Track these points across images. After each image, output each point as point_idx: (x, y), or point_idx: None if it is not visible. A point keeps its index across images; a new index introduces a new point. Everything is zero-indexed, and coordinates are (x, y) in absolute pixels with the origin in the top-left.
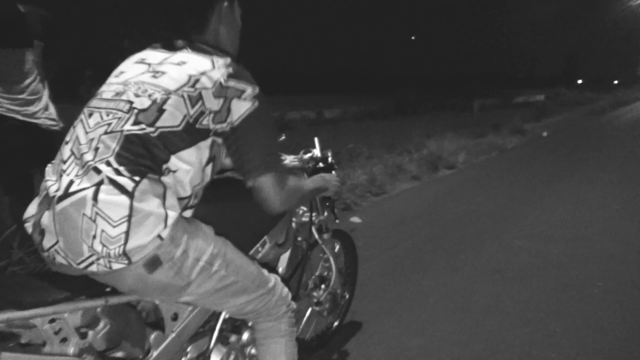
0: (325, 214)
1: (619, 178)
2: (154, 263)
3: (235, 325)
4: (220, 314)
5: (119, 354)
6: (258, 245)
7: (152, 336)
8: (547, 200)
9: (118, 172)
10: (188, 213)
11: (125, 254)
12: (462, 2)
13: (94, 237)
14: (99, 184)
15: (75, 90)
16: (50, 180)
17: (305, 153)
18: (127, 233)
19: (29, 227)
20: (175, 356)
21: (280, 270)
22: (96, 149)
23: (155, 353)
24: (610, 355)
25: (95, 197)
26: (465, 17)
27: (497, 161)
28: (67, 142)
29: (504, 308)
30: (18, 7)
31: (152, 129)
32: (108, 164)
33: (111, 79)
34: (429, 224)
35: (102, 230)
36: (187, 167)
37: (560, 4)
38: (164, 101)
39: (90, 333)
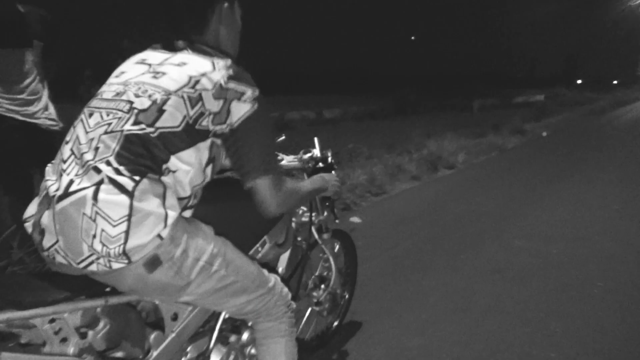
0: (325, 214)
1: (619, 178)
2: (153, 262)
3: (235, 325)
4: (220, 314)
5: (119, 354)
6: (258, 245)
7: (152, 336)
8: (547, 200)
9: (118, 172)
10: (188, 213)
11: (125, 253)
12: (462, 2)
13: (94, 236)
14: (99, 184)
15: (75, 90)
16: (50, 180)
17: (305, 153)
18: (127, 232)
19: (28, 226)
20: (175, 356)
21: (280, 270)
22: (96, 148)
23: (155, 353)
24: (610, 355)
25: (95, 197)
26: (465, 17)
27: (497, 161)
28: (67, 142)
29: (504, 308)
30: (18, 7)
31: (152, 129)
32: (108, 163)
33: (111, 79)
34: (429, 224)
35: (102, 230)
36: (187, 168)
37: (560, 4)
38: (164, 102)
39: (90, 333)
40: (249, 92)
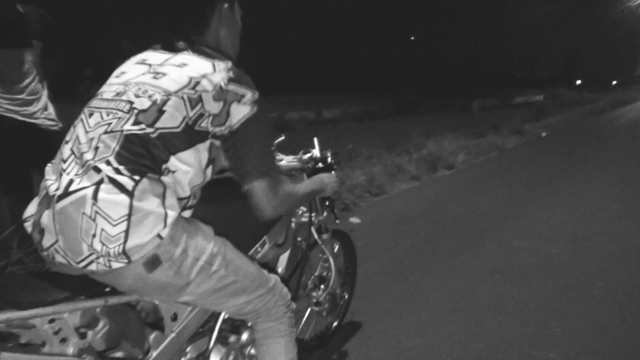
0: (325, 214)
1: (618, 178)
2: (153, 262)
3: (234, 326)
4: (219, 314)
5: (119, 354)
6: (257, 245)
7: (152, 336)
8: (546, 200)
9: (118, 171)
10: (187, 213)
11: (124, 252)
12: (462, 2)
13: (94, 235)
14: (98, 183)
15: (75, 90)
16: (50, 180)
17: (304, 153)
18: (126, 232)
19: (28, 226)
20: (175, 356)
21: (279, 270)
22: (96, 148)
23: (154, 353)
24: (610, 356)
25: (95, 196)
26: (465, 17)
27: (497, 161)
28: (67, 142)
29: (504, 308)
30: (17, 7)
31: (151, 130)
32: (108, 163)
33: (112, 80)
34: (429, 224)
35: (102, 229)
36: (186, 168)
37: (560, 4)
38: (164, 102)
39: (90, 333)
40: (249, 95)
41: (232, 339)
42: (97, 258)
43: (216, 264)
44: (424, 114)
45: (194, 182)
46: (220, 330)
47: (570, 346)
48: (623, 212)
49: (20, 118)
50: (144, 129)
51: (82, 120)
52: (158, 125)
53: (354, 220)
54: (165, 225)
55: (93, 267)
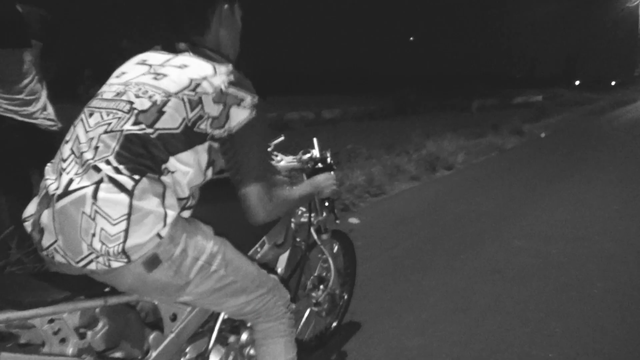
0: (324, 214)
1: (618, 178)
2: (153, 262)
3: (234, 326)
4: (219, 314)
5: (118, 354)
6: (257, 245)
7: (151, 336)
8: (546, 200)
9: (118, 171)
10: (187, 213)
11: (124, 252)
12: (462, 2)
13: (93, 235)
14: (98, 183)
15: (74, 90)
16: (49, 179)
17: (304, 153)
18: (126, 231)
19: (28, 225)
20: (174, 356)
21: (279, 270)
22: (96, 147)
23: (154, 353)
24: (609, 356)
25: (94, 196)
26: (465, 17)
27: (497, 161)
28: (67, 141)
29: (504, 308)
30: (17, 7)
31: (151, 130)
32: (108, 162)
33: (112, 80)
34: (429, 224)
35: (102, 229)
36: (186, 169)
37: (560, 4)
38: (164, 103)
39: (89, 333)
40: (249, 99)
41: (232, 339)
42: (97, 257)
43: (215, 263)
44: (423, 114)
45: (193, 182)
46: (220, 330)
47: (570, 346)
48: (623, 212)
49: (19, 118)
50: (143, 129)
51: (82, 120)
52: (158, 125)
53: (354, 220)
54: (164, 225)
55: (92, 266)
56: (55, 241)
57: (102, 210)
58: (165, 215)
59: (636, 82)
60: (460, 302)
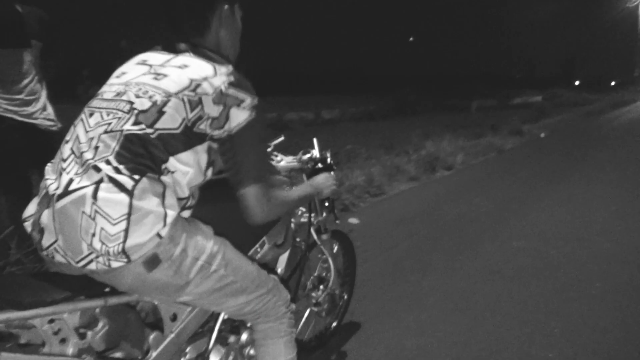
0: (324, 214)
1: (617, 178)
2: (153, 261)
3: (234, 326)
4: (219, 314)
5: (118, 355)
6: (257, 245)
7: (151, 337)
8: (545, 200)
9: (118, 171)
10: (186, 213)
11: (124, 251)
12: (462, 2)
13: (93, 235)
14: (98, 182)
15: (74, 90)
16: (49, 179)
17: (304, 154)
18: (126, 231)
19: (28, 225)
20: (174, 357)
21: (279, 270)
22: (96, 147)
23: (154, 353)
24: (609, 356)
25: (94, 195)
26: (465, 18)
27: (496, 162)
28: (67, 141)
29: (503, 308)
30: (16, 7)
31: (151, 130)
32: (108, 162)
33: (112, 80)
34: (428, 225)
35: (102, 228)
36: (186, 169)
37: (559, 4)
38: (164, 103)
39: (89, 333)
40: (248, 100)
41: (232, 339)
42: (97, 257)
43: (215, 263)
44: (422, 115)
45: (193, 182)
46: (220, 330)
47: (570, 346)
48: (622, 212)
49: (19, 118)
50: (143, 129)
51: (82, 119)
52: (158, 126)
53: (353, 220)
54: (164, 225)
55: (92, 266)
56: (55, 241)
57: (102, 210)
58: (165, 215)
59: (636, 82)
60: (459, 303)
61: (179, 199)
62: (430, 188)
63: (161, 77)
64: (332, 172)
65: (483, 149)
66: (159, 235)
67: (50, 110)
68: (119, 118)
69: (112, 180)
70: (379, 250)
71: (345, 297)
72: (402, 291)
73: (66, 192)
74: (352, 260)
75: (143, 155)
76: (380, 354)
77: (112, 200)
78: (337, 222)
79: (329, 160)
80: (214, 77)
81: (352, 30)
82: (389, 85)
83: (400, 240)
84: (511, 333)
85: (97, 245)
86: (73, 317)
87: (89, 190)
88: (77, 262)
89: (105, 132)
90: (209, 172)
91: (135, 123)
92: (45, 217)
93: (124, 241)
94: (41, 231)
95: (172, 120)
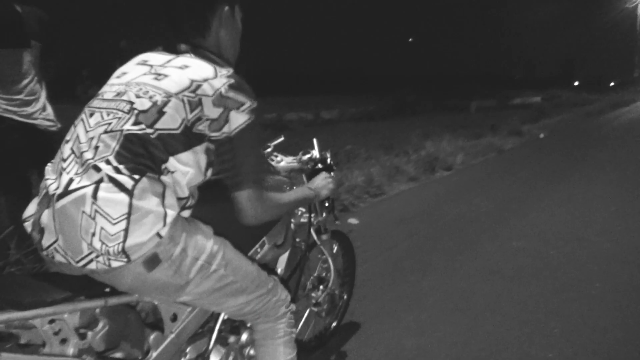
0: (324, 215)
1: (617, 179)
2: (153, 261)
3: (234, 326)
4: (219, 314)
5: (118, 355)
6: (257, 246)
7: (152, 337)
8: (545, 200)
9: (118, 171)
10: (186, 213)
11: (124, 251)
12: (461, 2)
13: (93, 234)
14: (98, 182)
15: (74, 90)
16: (49, 179)
17: (304, 154)
18: (126, 231)
19: (28, 225)
20: (175, 357)
21: (279, 271)
22: (96, 147)
23: (154, 354)
24: (608, 356)
25: (94, 195)
26: (464, 18)
27: (495, 162)
28: (67, 141)
29: (503, 308)
30: (15, 7)
31: (151, 130)
32: (108, 162)
33: (113, 80)
34: (428, 225)
35: (102, 228)
36: (185, 169)
37: (559, 5)
38: (165, 104)
39: (90, 334)
40: (248, 104)
41: (232, 339)
42: (97, 257)
43: (215, 263)
44: (422, 115)
45: (193, 182)
46: (220, 330)
47: (569, 346)
48: (622, 212)
49: (18, 118)
50: (143, 129)
51: (82, 119)
52: (158, 126)
53: (353, 221)
54: (164, 224)
55: (92, 266)
56: (56, 241)
57: (102, 209)
58: (165, 215)
59: (635, 83)
60: (459, 303)
61: (179, 199)
62: (430, 188)
63: (162, 78)
64: (332, 173)
65: (483, 149)
66: (158, 235)
67: (49, 110)
68: (119, 118)
69: (112, 180)
70: (378, 251)
71: (345, 297)
72: (402, 291)
73: (66, 192)
74: (352, 261)
75: (143, 155)
76: (380, 354)
77: (112, 199)
78: (337, 222)
79: (329, 160)
80: (215, 78)
81: (351, 30)
82: (388, 85)
83: (399, 241)
84: (511, 333)
85: (97, 244)
86: (73, 317)
87: (89, 190)
88: (77, 261)
89: (106, 132)
90: (209, 173)
91: (135, 123)
92: (46, 217)
93: (124, 241)
94: (41, 231)
95: (172, 121)
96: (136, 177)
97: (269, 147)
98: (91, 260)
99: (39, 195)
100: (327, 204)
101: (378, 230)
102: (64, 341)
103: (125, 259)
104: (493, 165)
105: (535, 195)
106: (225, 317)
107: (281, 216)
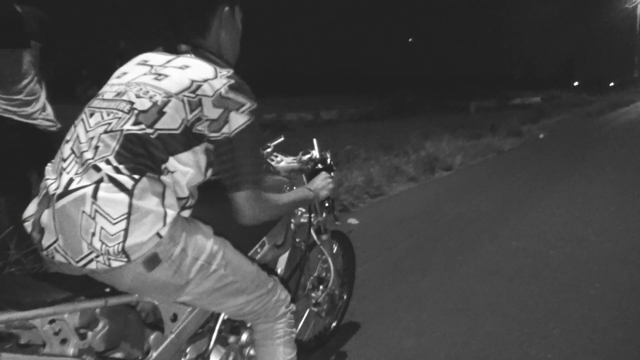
0: (324, 215)
1: (617, 179)
2: (153, 261)
3: (234, 326)
4: (219, 314)
5: (118, 355)
6: (257, 246)
7: (152, 337)
8: (545, 201)
9: (118, 171)
10: (186, 213)
11: (124, 251)
12: (461, 3)
13: (93, 234)
14: (98, 182)
15: (73, 90)
16: (50, 179)
17: (304, 154)
18: (126, 230)
19: (28, 225)
20: (175, 357)
21: (278, 271)
22: (96, 147)
23: (154, 354)
24: (608, 356)
25: (94, 195)
26: (464, 18)
27: (495, 162)
28: (67, 141)
29: (502, 308)
30: (15, 7)
31: (151, 130)
32: (108, 162)
33: (113, 80)
34: (427, 225)
35: (102, 228)
36: (185, 169)
37: (558, 5)
38: (165, 104)
39: (90, 334)
40: (248, 105)
41: (232, 339)
42: (97, 257)
43: (215, 263)
44: (421, 115)
45: (192, 182)
46: (220, 330)
47: (569, 346)
48: (621, 212)
49: (18, 118)
50: (143, 129)
51: (82, 119)
52: (158, 126)
53: (353, 221)
54: (164, 224)
55: (93, 265)
56: (56, 241)
57: (102, 209)
58: (165, 215)
59: (635, 83)
60: (458, 303)
61: (179, 199)
62: (430, 188)
63: (162, 78)
64: (332, 173)
65: (482, 150)
66: (158, 234)
67: (49, 110)
68: (119, 118)
69: (112, 179)
70: (378, 251)
71: (345, 297)
72: (402, 291)
73: (66, 192)
74: (352, 261)
75: (143, 155)
76: (380, 354)
77: (112, 199)
78: (337, 222)
79: (328, 160)
80: (215, 79)
81: (350, 30)
82: (388, 85)
83: (399, 241)
84: (510, 333)
85: (97, 244)
86: (73, 317)
87: (89, 190)
88: (77, 261)
89: (106, 132)
90: (209, 173)
91: (136, 123)
92: (46, 217)
93: (124, 240)
94: (41, 231)
95: (172, 121)
96: (136, 177)
97: (269, 147)
98: (91, 260)
99: (39, 195)
100: (327, 204)
101: (378, 230)
102: (64, 341)
103: (125, 259)
104: (493, 166)
105: (535, 195)
106: (225, 317)
107: (281, 216)
